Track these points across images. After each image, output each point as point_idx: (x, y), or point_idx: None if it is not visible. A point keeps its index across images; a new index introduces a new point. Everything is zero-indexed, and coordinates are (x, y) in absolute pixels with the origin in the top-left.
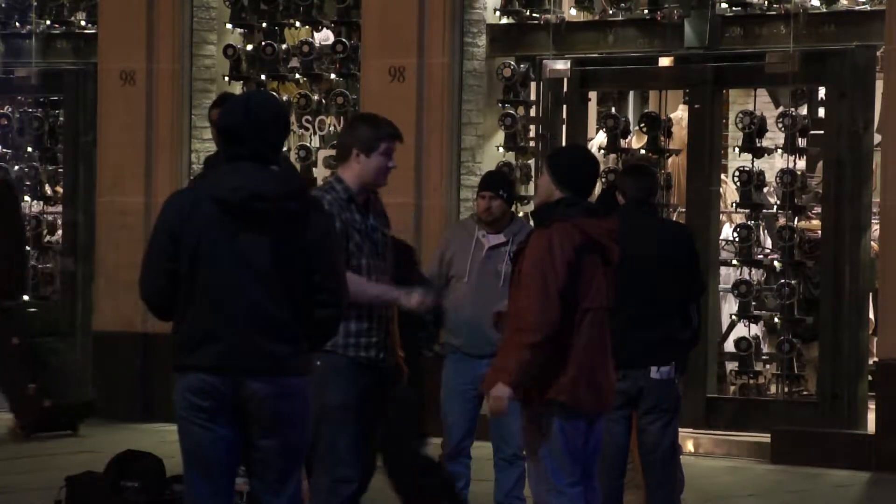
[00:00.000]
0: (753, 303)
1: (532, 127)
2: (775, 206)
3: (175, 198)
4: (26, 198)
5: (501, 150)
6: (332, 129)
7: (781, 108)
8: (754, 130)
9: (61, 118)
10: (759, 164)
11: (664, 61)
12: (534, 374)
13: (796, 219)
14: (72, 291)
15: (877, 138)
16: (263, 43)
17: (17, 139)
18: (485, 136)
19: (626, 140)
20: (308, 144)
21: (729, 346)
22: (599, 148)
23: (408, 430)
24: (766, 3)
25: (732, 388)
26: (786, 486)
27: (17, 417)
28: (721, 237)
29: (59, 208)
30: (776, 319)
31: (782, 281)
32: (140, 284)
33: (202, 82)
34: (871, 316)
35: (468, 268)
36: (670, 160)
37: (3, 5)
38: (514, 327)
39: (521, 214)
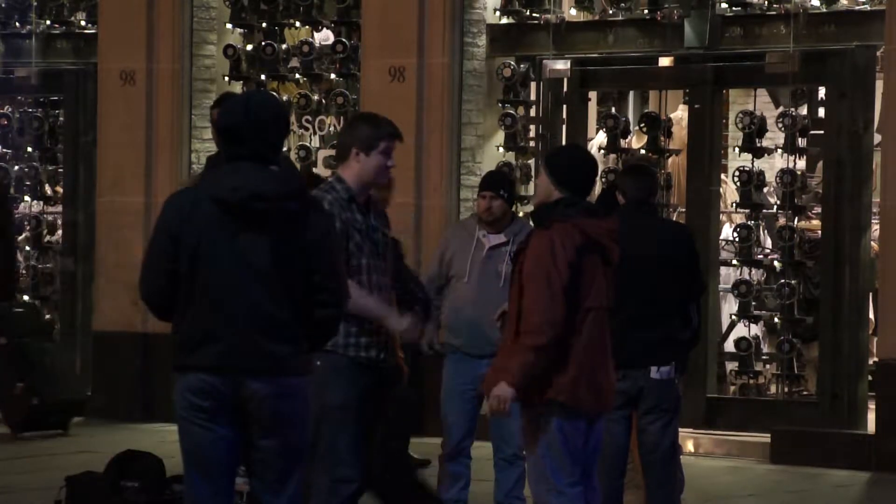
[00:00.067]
0: (753, 303)
1: (532, 127)
2: (775, 206)
3: (175, 198)
4: (26, 198)
5: (501, 150)
6: (332, 129)
7: (781, 108)
8: (754, 130)
9: (61, 118)
10: (759, 164)
11: (664, 61)
12: (536, 375)
13: (796, 219)
14: (72, 291)
15: (877, 138)
16: (263, 43)
17: (17, 139)
18: (485, 136)
19: (626, 140)
20: (308, 144)
21: (729, 346)
22: (599, 148)
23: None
24: (766, 3)
25: (732, 388)
26: (786, 486)
27: (5, 417)
28: (721, 237)
29: (59, 208)
30: (776, 319)
31: (782, 281)
32: (140, 285)
33: (202, 82)
34: (871, 316)
35: (468, 268)
36: (670, 160)
37: (3, 5)
38: (518, 329)
39: (521, 214)
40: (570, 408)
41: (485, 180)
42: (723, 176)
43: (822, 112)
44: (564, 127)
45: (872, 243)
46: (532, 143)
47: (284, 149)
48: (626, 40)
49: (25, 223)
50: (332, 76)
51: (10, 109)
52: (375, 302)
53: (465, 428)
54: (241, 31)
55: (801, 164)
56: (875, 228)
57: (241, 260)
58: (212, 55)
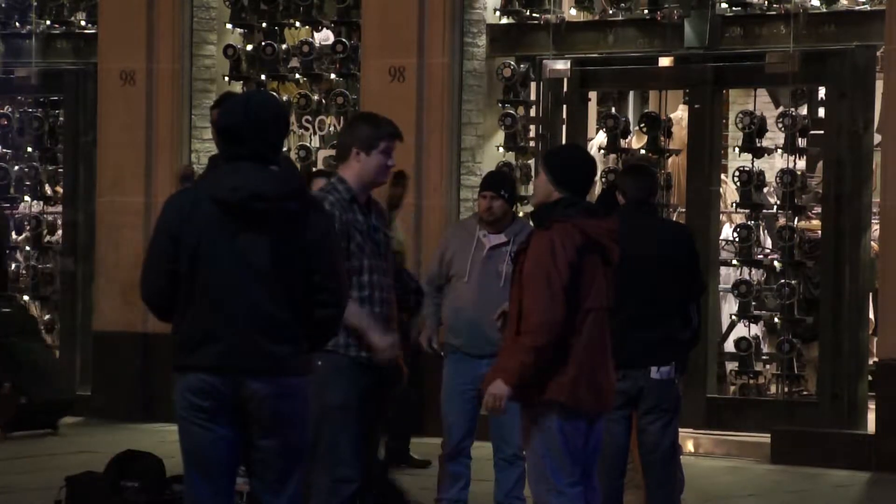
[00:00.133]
0: (753, 303)
1: (532, 127)
2: (775, 206)
3: (175, 198)
4: (26, 198)
5: (501, 150)
6: (332, 129)
7: (781, 108)
8: (754, 130)
9: (61, 118)
10: (759, 164)
11: (664, 61)
12: (535, 375)
13: (796, 219)
14: (72, 291)
15: (877, 138)
16: (263, 43)
17: (17, 139)
18: (485, 136)
19: (626, 140)
20: (308, 144)
21: (729, 346)
22: (599, 148)
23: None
24: (766, 3)
25: (732, 388)
26: (786, 486)
27: None
28: (721, 237)
29: (59, 208)
30: (776, 319)
31: (782, 281)
32: (141, 285)
33: (202, 82)
34: (871, 316)
35: (468, 268)
36: (670, 160)
37: (3, 5)
38: (518, 329)
39: (521, 214)
40: (570, 408)
41: (486, 180)
42: (723, 176)
43: (822, 112)
44: (564, 127)
45: (872, 243)
46: (532, 143)
47: (284, 149)
48: (626, 40)
49: (25, 223)
50: (332, 76)
51: (10, 109)
52: (361, 313)
53: (465, 428)
54: (241, 31)
55: (801, 164)
56: (875, 228)
57: (241, 260)
58: (212, 55)
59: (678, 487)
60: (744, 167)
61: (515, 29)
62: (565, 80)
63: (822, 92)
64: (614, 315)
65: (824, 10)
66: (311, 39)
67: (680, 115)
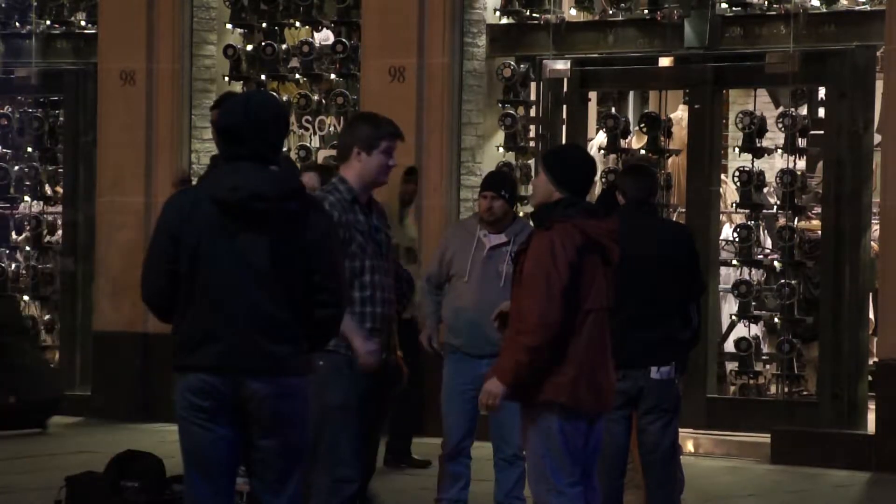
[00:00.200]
0: (753, 303)
1: (532, 127)
2: (775, 206)
3: (175, 198)
4: (26, 198)
5: (501, 150)
6: (332, 129)
7: (781, 108)
8: (754, 130)
9: (61, 118)
10: (759, 164)
11: (664, 61)
12: (532, 375)
13: (796, 219)
14: (72, 291)
15: (877, 138)
16: (263, 43)
17: (17, 139)
18: (485, 136)
19: (626, 140)
20: (308, 144)
21: (729, 346)
22: (599, 148)
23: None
24: (766, 3)
25: (732, 388)
26: (786, 486)
27: None
28: (721, 237)
29: (59, 208)
30: (776, 319)
31: (782, 281)
32: (141, 285)
33: (202, 82)
34: (871, 316)
35: (469, 268)
36: (670, 160)
37: (3, 5)
38: (516, 329)
39: (521, 215)
40: (570, 408)
41: (486, 180)
42: (723, 176)
43: (822, 112)
44: (564, 127)
45: (872, 243)
46: (532, 144)
47: (284, 149)
48: (626, 40)
49: (25, 223)
50: (332, 76)
51: (10, 109)
52: (355, 330)
53: (465, 428)
54: (241, 31)
55: (801, 164)
56: (875, 228)
57: (241, 260)
58: (212, 55)
59: (678, 487)
60: (744, 167)
61: (515, 29)
62: (565, 80)
63: (822, 92)
64: (614, 315)
65: (824, 10)
66: (311, 39)
67: (680, 115)
